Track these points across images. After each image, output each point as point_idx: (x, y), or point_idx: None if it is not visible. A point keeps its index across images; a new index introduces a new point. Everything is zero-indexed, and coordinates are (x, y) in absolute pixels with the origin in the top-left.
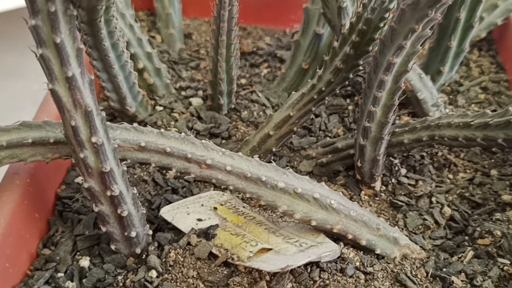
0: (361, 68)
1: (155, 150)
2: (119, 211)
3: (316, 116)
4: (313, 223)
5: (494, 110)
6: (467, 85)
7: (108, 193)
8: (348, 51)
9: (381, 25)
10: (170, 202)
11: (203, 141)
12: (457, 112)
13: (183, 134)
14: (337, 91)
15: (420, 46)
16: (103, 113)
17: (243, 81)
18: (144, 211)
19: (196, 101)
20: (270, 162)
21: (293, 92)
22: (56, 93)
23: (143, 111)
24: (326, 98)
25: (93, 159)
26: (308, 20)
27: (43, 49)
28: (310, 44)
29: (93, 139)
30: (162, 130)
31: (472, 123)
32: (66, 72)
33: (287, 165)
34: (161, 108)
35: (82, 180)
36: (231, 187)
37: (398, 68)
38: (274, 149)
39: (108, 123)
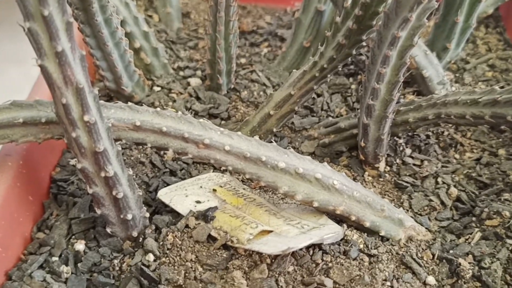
0: (364, 44)
1: (151, 130)
2: (114, 193)
3: (318, 95)
4: (315, 204)
5: (503, 87)
6: (473, 62)
7: (103, 174)
8: (351, 25)
9: None
10: (168, 184)
11: (201, 120)
12: (464, 90)
13: (180, 113)
14: (340, 69)
15: (427, 19)
16: (96, 90)
17: (242, 60)
18: (141, 193)
19: (194, 81)
20: (270, 142)
21: (294, 70)
22: (45, 69)
23: (140, 91)
24: (328, 76)
25: (86, 138)
26: None
27: (30, 22)
28: (311, 22)
29: (86, 118)
30: (158, 109)
31: (480, 100)
32: (56, 47)
33: (288, 146)
34: (159, 88)
35: (76, 160)
36: (230, 168)
37: (403, 43)
38: (274, 130)
39: (102, 101)
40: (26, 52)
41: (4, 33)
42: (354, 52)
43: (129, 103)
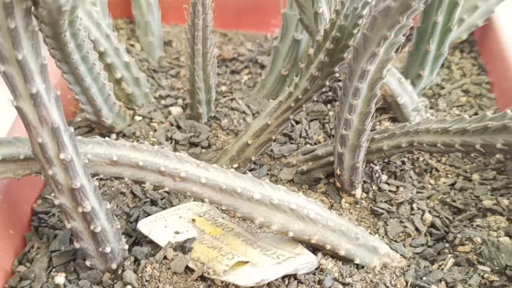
0: (337, 75)
1: (128, 164)
2: (92, 227)
3: (297, 122)
4: (291, 234)
5: (476, 114)
6: (448, 87)
7: (80, 210)
8: (323, 58)
9: (355, 32)
10: (149, 214)
11: (177, 153)
12: (437, 117)
13: (156, 146)
14: (317, 97)
15: (394, 52)
16: (72, 129)
17: (223, 88)
18: (119, 226)
19: (175, 110)
20: (252, 169)
21: (270, 100)
22: (21, 110)
23: (121, 121)
24: (304, 105)
25: (62, 175)
26: (287, 26)
27: (5, 66)
28: (289, 50)
29: (62, 156)
30: (135, 143)
31: (450, 128)
32: (30, 88)
33: (267, 173)
34: (140, 118)
35: (54, 196)
36: (206, 200)
37: (373, 75)
38: (253, 158)
39: (79, 137)
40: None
41: None
42: (327, 83)
43: (106, 138)
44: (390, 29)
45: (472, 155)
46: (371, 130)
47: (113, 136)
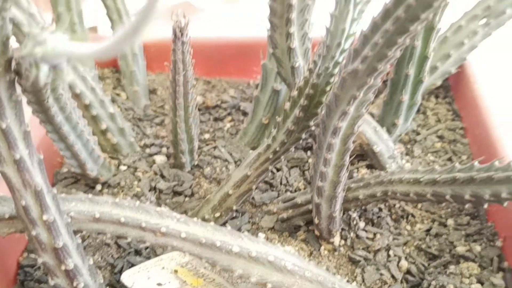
0: (313, 128)
1: (110, 221)
2: (75, 284)
3: (278, 170)
4: (269, 285)
5: (450, 159)
6: (424, 133)
7: (63, 268)
8: (298, 113)
9: (327, 89)
10: (133, 265)
11: (158, 208)
12: (412, 163)
13: (138, 202)
14: (297, 144)
15: (365, 109)
16: (54, 190)
17: (206, 136)
18: (102, 281)
19: (160, 159)
20: (234, 217)
21: (250, 151)
22: (5, 175)
23: (106, 172)
24: (282, 156)
25: (45, 235)
26: (266, 76)
27: None
28: (269, 100)
29: (45, 217)
30: (117, 199)
31: (421, 179)
32: (14, 155)
33: (249, 221)
34: (125, 167)
35: (37, 255)
36: (187, 253)
37: (345, 131)
38: (234, 207)
39: (62, 195)
40: None
41: None
42: (303, 135)
43: (90, 195)
44: (359, 89)
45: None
46: (349, 178)
47: (98, 187)
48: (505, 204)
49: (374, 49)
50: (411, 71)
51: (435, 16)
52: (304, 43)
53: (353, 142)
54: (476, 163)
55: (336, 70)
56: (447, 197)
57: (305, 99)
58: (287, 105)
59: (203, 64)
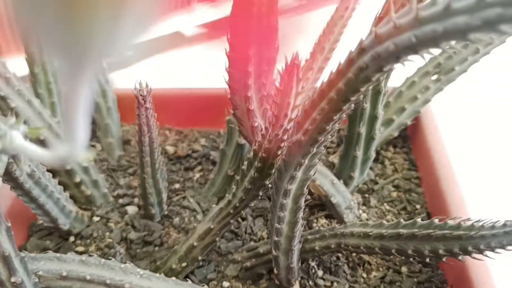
0: (270, 186)
1: (76, 278)
2: None
3: (243, 219)
4: None
5: (405, 208)
6: (381, 183)
7: None
8: (254, 174)
9: (278, 153)
10: None
11: (123, 265)
12: (368, 213)
13: (103, 260)
14: (262, 195)
15: (312, 172)
16: (22, 254)
17: (176, 186)
18: None
19: (131, 209)
20: (201, 266)
21: (213, 206)
22: None
23: (79, 224)
24: (242, 211)
25: None
26: (231, 131)
27: None
28: (234, 153)
29: (12, 279)
30: (84, 257)
31: (370, 233)
32: None
33: (214, 269)
34: (98, 218)
35: None
36: None
37: (295, 192)
38: (200, 258)
39: (32, 254)
40: None
41: None
42: (260, 193)
43: (58, 254)
44: (304, 157)
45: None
46: (309, 228)
47: (72, 238)
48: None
49: (313, 123)
50: (363, 129)
51: (381, 83)
52: (262, 104)
53: (312, 194)
54: (418, 219)
55: (285, 136)
56: (393, 251)
57: (259, 162)
58: (245, 165)
59: (176, 115)
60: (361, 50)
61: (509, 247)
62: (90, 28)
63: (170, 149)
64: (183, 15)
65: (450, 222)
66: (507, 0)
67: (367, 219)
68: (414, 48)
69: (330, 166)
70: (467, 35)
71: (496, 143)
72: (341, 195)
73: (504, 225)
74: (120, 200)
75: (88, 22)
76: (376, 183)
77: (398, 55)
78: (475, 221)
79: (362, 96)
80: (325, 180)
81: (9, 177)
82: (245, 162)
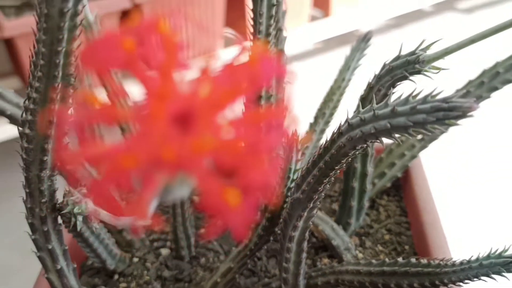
0: (279, 232)
1: None
2: None
3: (259, 259)
4: None
5: (395, 249)
6: (376, 227)
7: None
8: (265, 223)
9: (284, 206)
10: None
11: None
12: (364, 253)
13: None
14: (273, 237)
15: (311, 223)
16: None
17: (202, 231)
18: None
19: (165, 251)
20: None
21: (233, 248)
22: (50, 280)
23: (122, 264)
24: (257, 253)
25: None
26: None
27: (40, 252)
28: None
29: None
30: None
31: (361, 271)
32: (56, 266)
33: None
34: (137, 259)
35: None
36: None
37: (298, 238)
38: None
39: None
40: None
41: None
42: (271, 238)
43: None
44: (303, 210)
45: None
46: (314, 266)
47: (116, 276)
48: None
49: (308, 185)
50: (355, 184)
51: (368, 147)
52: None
53: (316, 237)
54: (400, 259)
55: (289, 194)
56: (379, 285)
57: (269, 213)
58: (257, 216)
59: None
60: (340, 133)
61: (466, 281)
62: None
63: (197, 199)
64: None
65: (423, 261)
66: (429, 109)
67: (362, 259)
68: (375, 135)
69: (333, 212)
70: (408, 130)
71: (479, 187)
72: (340, 238)
73: (461, 263)
74: (155, 244)
75: None
76: (371, 227)
77: (365, 139)
78: (441, 260)
79: (350, 159)
80: (326, 225)
81: (76, 232)
82: (258, 213)
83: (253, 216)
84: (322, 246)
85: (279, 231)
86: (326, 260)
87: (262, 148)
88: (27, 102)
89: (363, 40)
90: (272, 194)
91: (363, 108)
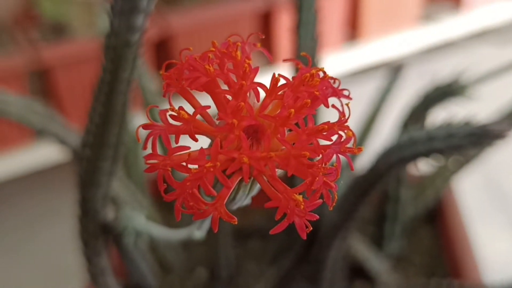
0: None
1: None
2: None
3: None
4: None
5: (428, 272)
6: (409, 250)
7: None
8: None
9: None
10: None
11: None
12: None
13: None
14: None
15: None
16: None
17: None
18: None
19: (203, 271)
20: None
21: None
22: None
23: (162, 283)
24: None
25: None
26: None
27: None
28: None
29: None
30: None
31: None
32: (104, 280)
33: None
34: (176, 277)
35: None
36: None
37: (332, 258)
38: None
39: None
40: None
41: None
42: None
43: None
44: (339, 231)
45: None
46: None
47: None
48: None
49: (345, 207)
50: (390, 209)
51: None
52: None
53: (350, 259)
54: (432, 280)
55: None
56: None
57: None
58: None
59: None
60: (379, 158)
61: None
62: None
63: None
64: None
65: (455, 283)
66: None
67: (395, 281)
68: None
69: (367, 235)
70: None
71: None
72: (374, 261)
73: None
74: (194, 262)
75: None
76: (405, 250)
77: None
78: (473, 283)
79: (386, 183)
80: (361, 247)
81: (124, 249)
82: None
83: (313, 218)
84: (357, 268)
85: (315, 251)
86: (359, 282)
87: (322, 160)
88: (89, 124)
89: (395, 71)
90: (330, 201)
91: (401, 135)
